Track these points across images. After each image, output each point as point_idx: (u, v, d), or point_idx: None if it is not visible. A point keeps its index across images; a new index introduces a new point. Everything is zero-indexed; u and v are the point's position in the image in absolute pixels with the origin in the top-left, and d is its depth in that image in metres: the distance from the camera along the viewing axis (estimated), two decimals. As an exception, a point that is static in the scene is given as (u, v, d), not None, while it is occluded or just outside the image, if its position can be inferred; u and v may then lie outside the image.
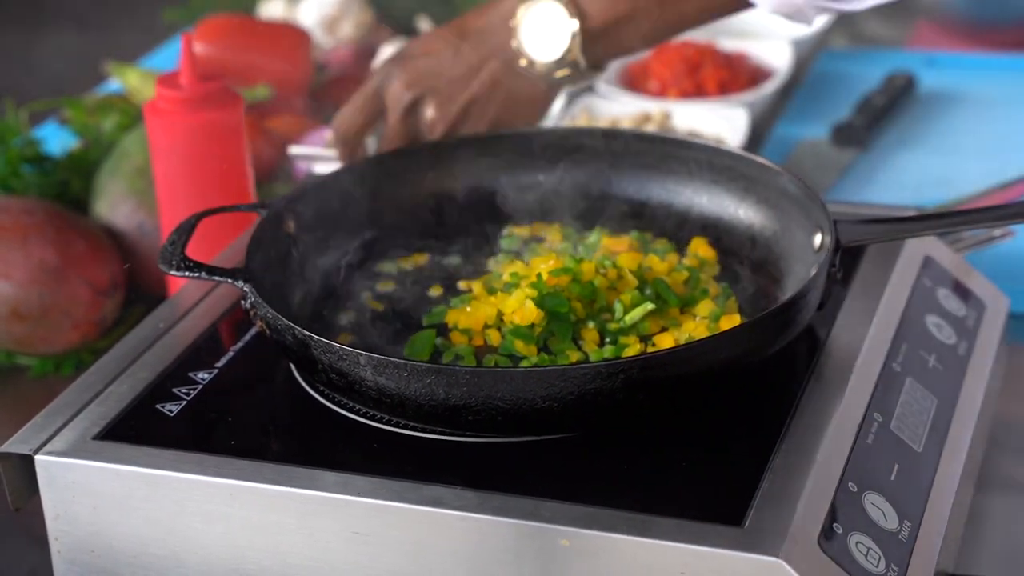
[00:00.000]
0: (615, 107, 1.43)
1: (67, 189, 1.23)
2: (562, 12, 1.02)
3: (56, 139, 1.38)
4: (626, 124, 1.39)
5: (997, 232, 1.04)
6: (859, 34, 1.66)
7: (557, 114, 1.43)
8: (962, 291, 0.99)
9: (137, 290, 1.20)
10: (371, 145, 1.14)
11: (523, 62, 1.05)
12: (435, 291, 0.96)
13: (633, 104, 1.43)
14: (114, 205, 1.19)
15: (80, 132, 1.31)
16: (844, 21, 1.72)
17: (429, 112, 1.06)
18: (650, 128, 1.38)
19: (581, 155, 1.03)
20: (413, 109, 1.07)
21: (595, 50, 1.04)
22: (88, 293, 1.13)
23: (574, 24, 1.02)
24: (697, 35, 1.54)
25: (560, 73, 1.05)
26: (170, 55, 1.67)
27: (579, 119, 1.42)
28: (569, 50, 1.03)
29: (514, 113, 1.07)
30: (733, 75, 1.44)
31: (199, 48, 1.35)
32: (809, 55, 1.60)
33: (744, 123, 1.36)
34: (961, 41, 1.61)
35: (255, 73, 1.39)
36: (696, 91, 1.43)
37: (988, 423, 0.96)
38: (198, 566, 0.81)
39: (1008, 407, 1.01)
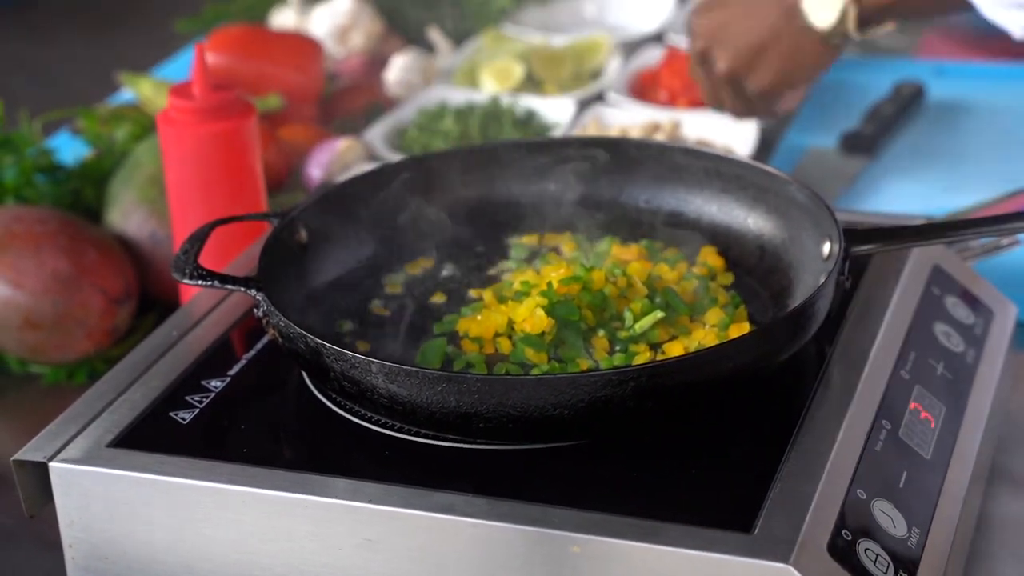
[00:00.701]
0: (625, 116, 1.44)
1: (80, 198, 1.24)
2: None
3: (69, 149, 1.39)
4: (635, 133, 1.40)
5: (1005, 241, 1.04)
6: (868, 43, 1.66)
7: (567, 123, 1.43)
8: (970, 299, 0.99)
9: (149, 299, 1.21)
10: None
11: (802, 22, 1.19)
12: (445, 299, 0.96)
13: (642, 113, 1.44)
14: (127, 214, 1.20)
15: (93, 142, 1.32)
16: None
17: (719, 63, 1.22)
18: (659, 137, 1.39)
19: (591, 164, 1.03)
20: (706, 59, 1.23)
21: (868, 22, 1.19)
22: (101, 301, 1.14)
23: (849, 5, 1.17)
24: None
25: (835, 39, 1.19)
26: (182, 65, 1.68)
27: (589, 128, 1.43)
28: (843, 22, 1.17)
29: (796, 65, 1.21)
30: None
31: (211, 58, 1.36)
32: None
33: (753, 132, 1.37)
34: (969, 50, 1.62)
35: (267, 83, 1.40)
36: None
37: (996, 430, 0.96)
38: (211, 573, 0.82)
39: (1016, 414, 1.01)
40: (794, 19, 1.19)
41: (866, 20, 1.18)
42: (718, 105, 1.27)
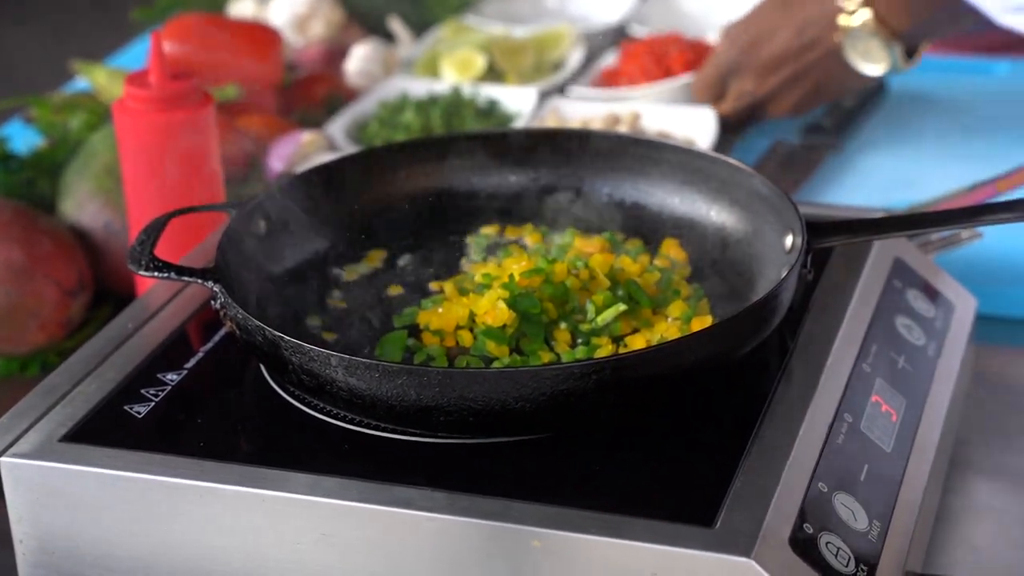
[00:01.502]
0: (585, 108, 1.43)
1: (33, 188, 1.22)
2: (879, 43, 1.22)
3: (22, 138, 1.37)
4: (596, 125, 1.39)
5: (965, 234, 1.05)
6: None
7: (528, 114, 1.43)
8: (931, 292, 0.99)
9: (104, 290, 1.19)
10: None
11: (847, 66, 1.24)
12: (403, 291, 0.95)
13: (603, 106, 1.43)
14: (81, 204, 1.18)
15: (46, 131, 1.30)
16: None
17: (746, 81, 1.26)
18: (620, 130, 1.38)
19: (553, 156, 1.03)
20: (731, 70, 1.27)
21: (912, 53, 1.25)
22: (55, 293, 1.12)
23: (893, 49, 1.23)
24: (661, 28, 1.54)
25: (880, 70, 1.24)
26: (138, 54, 1.66)
27: (548, 120, 1.42)
28: (893, 65, 1.23)
29: (829, 94, 1.28)
30: (698, 57, 1.44)
31: (168, 47, 1.34)
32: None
33: (713, 124, 1.37)
34: (965, 46, 1.62)
35: (225, 72, 1.38)
36: (664, 75, 1.44)
37: (956, 423, 0.96)
38: (166, 568, 0.81)
39: (974, 408, 1.01)
40: (838, 62, 1.22)
41: (911, 52, 1.23)
42: (709, 102, 1.31)
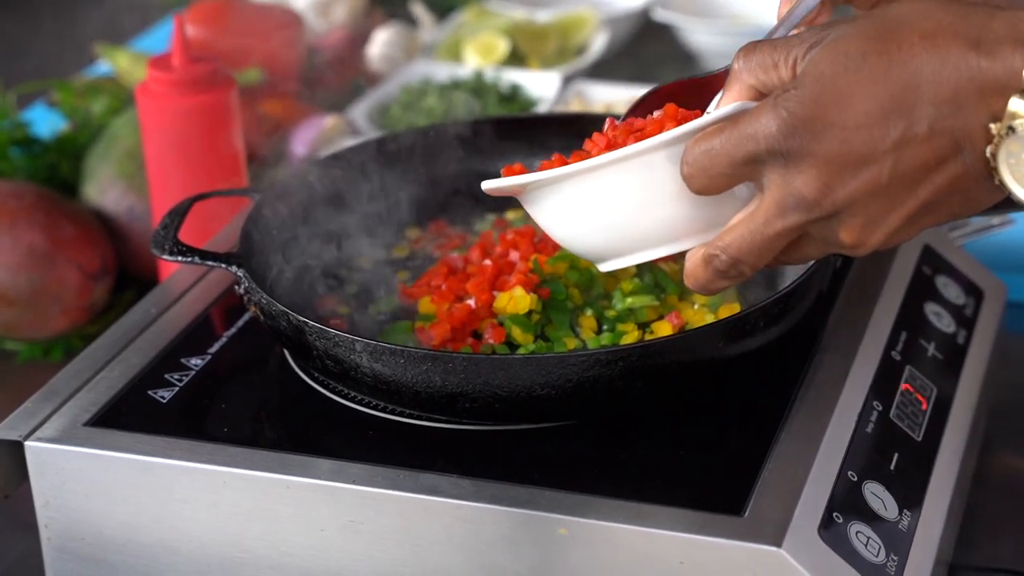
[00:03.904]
0: (608, 92, 1.42)
1: (56, 172, 1.22)
2: None
3: (45, 122, 1.36)
4: (620, 110, 1.38)
5: (996, 220, 1.04)
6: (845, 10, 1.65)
7: (552, 99, 1.42)
8: (961, 279, 0.98)
9: (127, 275, 1.19)
10: None
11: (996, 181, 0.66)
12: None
13: (626, 90, 1.42)
14: (104, 189, 1.18)
15: (69, 114, 1.29)
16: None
17: (843, 234, 0.68)
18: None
19: (580, 140, 1.02)
20: (783, 161, 0.67)
21: None
22: (78, 277, 1.12)
23: None
24: (685, 13, 1.53)
25: None
26: (160, 38, 1.65)
27: (572, 104, 1.41)
28: None
29: (945, 208, 0.68)
30: None
31: (190, 30, 1.33)
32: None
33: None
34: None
35: (247, 56, 1.37)
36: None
37: (986, 411, 0.95)
38: (190, 554, 0.80)
39: (1005, 395, 1.00)
40: (971, 178, 0.66)
41: None
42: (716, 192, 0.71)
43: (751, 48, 0.70)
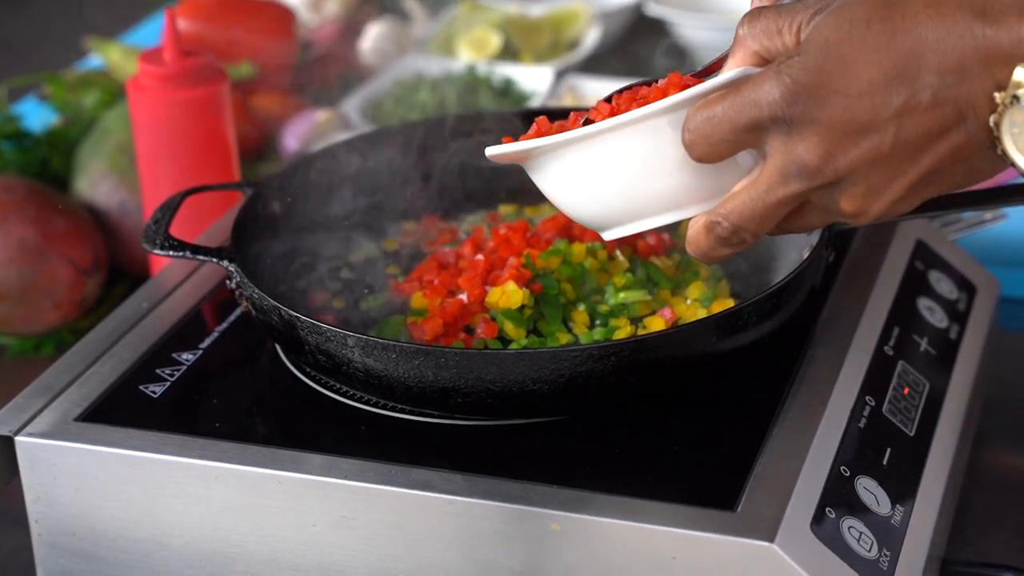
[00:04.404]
0: (601, 86, 1.42)
1: (47, 166, 1.22)
2: None
3: (36, 116, 1.36)
4: (614, 104, 1.38)
5: (988, 215, 1.04)
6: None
7: (545, 93, 1.41)
8: (954, 274, 0.98)
9: (118, 270, 1.19)
10: None
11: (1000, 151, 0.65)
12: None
13: (618, 85, 1.42)
14: (95, 183, 1.18)
15: (60, 108, 1.29)
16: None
17: (845, 203, 0.68)
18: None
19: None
20: (786, 128, 0.67)
21: None
22: (69, 272, 1.12)
23: None
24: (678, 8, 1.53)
25: None
26: (151, 32, 1.65)
27: (565, 99, 1.41)
28: None
29: (947, 178, 0.67)
30: None
31: (182, 24, 1.33)
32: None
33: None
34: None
35: (239, 50, 1.37)
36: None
37: (979, 407, 0.95)
38: (181, 549, 0.80)
39: (997, 390, 1.00)
40: (973, 148, 0.66)
41: None
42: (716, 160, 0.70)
43: (755, 14, 0.70)
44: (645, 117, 0.72)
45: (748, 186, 0.70)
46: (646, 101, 0.75)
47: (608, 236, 0.77)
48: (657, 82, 0.77)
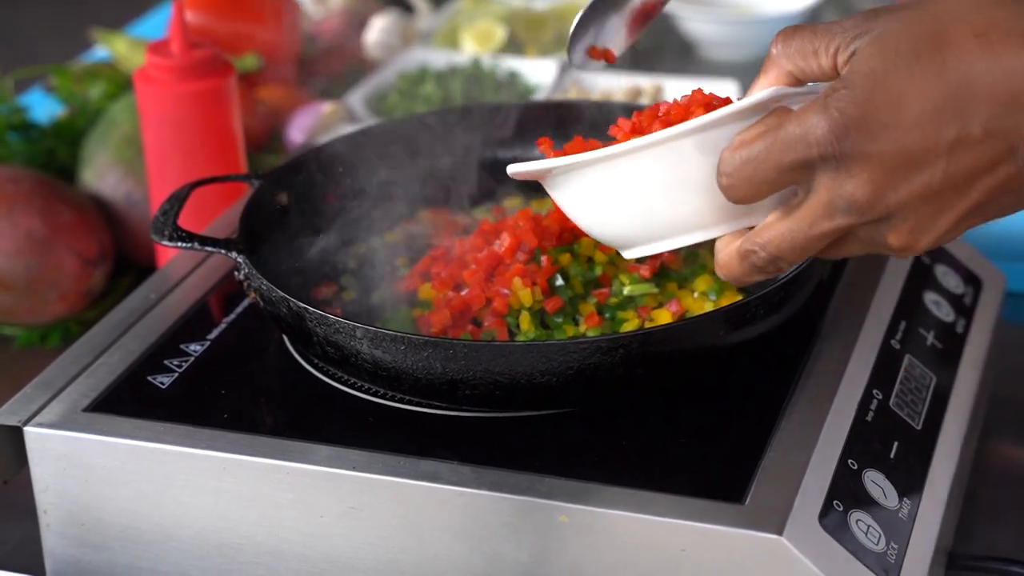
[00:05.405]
0: (606, 80, 1.42)
1: (54, 158, 1.22)
2: None
3: (42, 107, 1.36)
4: (618, 98, 1.38)
5: (995, 210, 1.03)
6: (852, 9, 1.65)
7: (550, 86, 1.41)
8: (960, 268, 0.98)
9: (124, 261, 1.19)
10: None
11: None
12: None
13: (625, 78, 1.42)
14: (101, 174, 1.18)
15: (66, 100, 1.29)
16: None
17: (892, 238, 0.66)
18: (643, 102, 1.37)
19: (578, 127, 1.01)
20: (832, 164, 0.65)
21: None
22: (76, 263, 1.12)
23: None
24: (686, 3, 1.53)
25: None
26: (156, 24, 1.65)
27: (569, 92, 1.41)
28: None
29: (1004, 215, 0.68)
30: None
31: (188, 16, 1.33)
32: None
33: (735, 93, 1.35)
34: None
35: (244, 42, 1.37)
36: None
37: (985, 400, 0.95)
38: (189, 540, 0.80)
39: (1003, 384, 1.00)
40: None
41: None
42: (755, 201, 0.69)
43: (790, 33, 0.68)
44: (673, 138, 0.69)
45: (789, 217, 0.67)
46: (667, 117, 0.73)
47: (628, 255, 0.75)
48: (679, 99, 0.75)
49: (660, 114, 0.74)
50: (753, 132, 0.66)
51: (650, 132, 0.72)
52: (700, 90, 0.75)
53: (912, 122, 0.63)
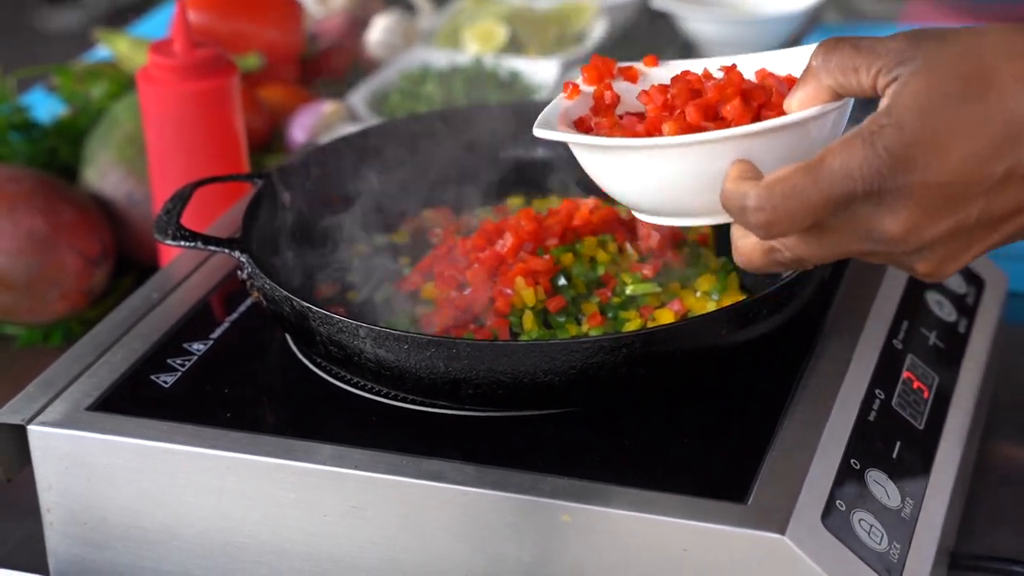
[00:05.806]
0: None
1: (55, 157, 1.22)
2: None
3: (44, 106, 1.36)
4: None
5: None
6: (853, 9, 1.65)
7: (551, 86, 1.42)
8: (962, 268, 0.98)
9: (126, 260, 1.19)
10: None
11: None
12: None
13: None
14: (103, 173, 1.18)
15: (68, 99, 1.29)
16: (839, -3, 1.71)
17: (920, 266, 0.68)
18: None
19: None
20: (874, 199, 0.66)
21: None
22: (77, 262, 1.12)
23: None
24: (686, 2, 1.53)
25: None
26: (158, 23, 1.65)
27: (573, 92, 1.41)
28: None
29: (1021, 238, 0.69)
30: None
31: (190, 16, 1.33)
32: (803, 30, 1.59)
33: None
34: (953, 17, 1.61)
35: (246, 42, 1.37)
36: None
37: (987, 401, 0.95)
38: (193, 539, 0.80)
39: (1006, 384, 1.00)
40: None
41: None
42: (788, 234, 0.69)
43: (831, 46, 0.68)
44: (710, 142, 0.70)
45: (822, 236, 0.68)
46: (703, 100, 0.73)
47: (646, 219, 0.77)
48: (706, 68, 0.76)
49: (692, 88, 0.75)
50: (793, 169, 0.66)
51: (683, 111, 0.73)
52: (735, 70, 0.76)
53: (955, 165, 0.64)
